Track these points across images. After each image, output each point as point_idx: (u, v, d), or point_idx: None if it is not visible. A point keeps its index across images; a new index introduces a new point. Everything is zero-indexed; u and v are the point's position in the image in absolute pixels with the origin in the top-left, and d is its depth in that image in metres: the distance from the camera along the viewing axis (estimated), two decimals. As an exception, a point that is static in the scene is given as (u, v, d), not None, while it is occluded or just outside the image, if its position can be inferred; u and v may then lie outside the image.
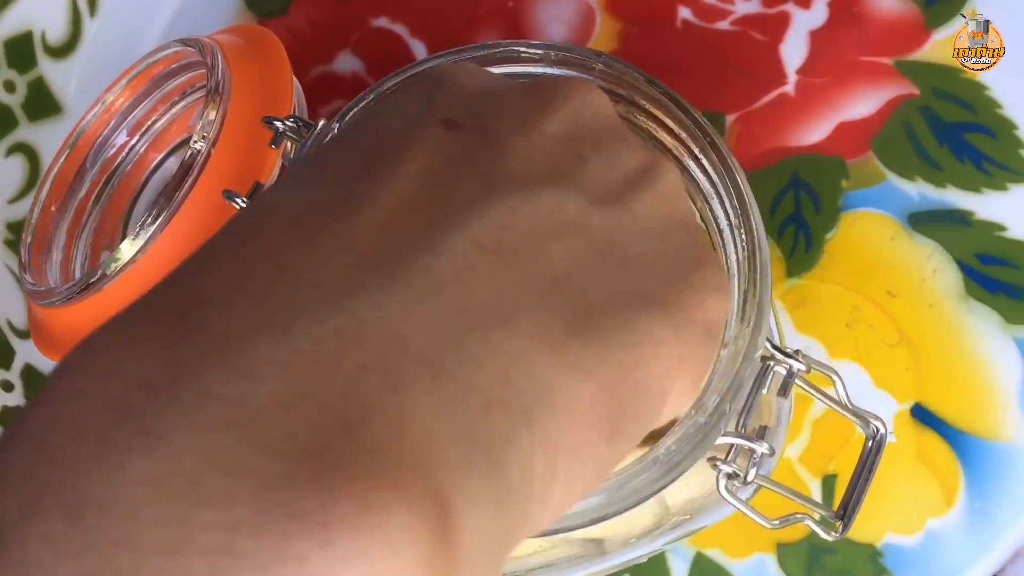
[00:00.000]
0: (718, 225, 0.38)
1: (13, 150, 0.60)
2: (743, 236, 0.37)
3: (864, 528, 0.51)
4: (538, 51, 0.40)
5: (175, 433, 0.19)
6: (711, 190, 0.39)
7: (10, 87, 0.60)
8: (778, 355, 0.36)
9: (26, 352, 0.58)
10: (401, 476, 0.20)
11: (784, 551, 0.52)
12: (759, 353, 0.36)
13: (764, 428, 0.36)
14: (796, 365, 0.36)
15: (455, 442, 0.22)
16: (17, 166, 0.60)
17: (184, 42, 0.52)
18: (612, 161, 0.31)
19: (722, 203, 0.38)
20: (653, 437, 0.39)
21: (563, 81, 0.33)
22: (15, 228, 0.59)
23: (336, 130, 0.38)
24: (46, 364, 0.58)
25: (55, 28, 0.61)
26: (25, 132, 0.60)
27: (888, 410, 0.53)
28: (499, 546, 0.23)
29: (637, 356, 0.27)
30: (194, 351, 0.21)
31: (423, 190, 0.27)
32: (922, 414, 0.52)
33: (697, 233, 0.32)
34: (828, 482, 0.52)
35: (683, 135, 0.39)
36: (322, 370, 0.21)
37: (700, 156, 0.39)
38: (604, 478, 0.28)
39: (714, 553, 0.52)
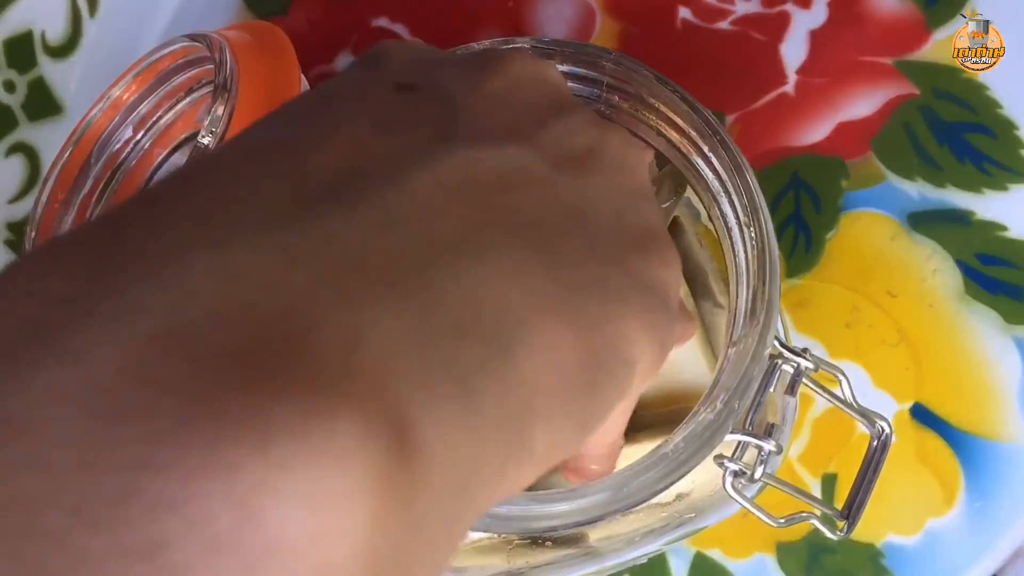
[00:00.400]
0: (726, 223, 0.38)
1: (13, 150, 0.60)
2: (752, 234, 0.38)
3: (864, 528, 0.51)
4: (547, 48, 0.40)
5: (93, 348, 0.17)
6: (719, 188, 0.39)
7: (10, 87, 0.60)
8: (786, 353, 0.36)
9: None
10: (352, 387, 0.18)
11: (784, 551, 0.52)
12: (768, 351, 0.36)
13: (771, 426, 0.36)
14: (804, 363, 0.36)
15: (421, 365, 0.20)
16: (17, 166, 0.60)
17: (191, 37, 0.52)
18: (572, 128, 0.29)
19: (731, 201, 0.38)
20: (661, 432, 0.39)
21: (514, 51, 0.32)
22: (15, 228, 0.59)
23: None
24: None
25: (55, 28, 0.61)
26: (25, 132, 0.60)
27: (888, 410, 0.53)
28: (477, 480, 0.21)
29: (609, 311, 0.26)
30: (120, 267, 0.19)
31: (379, 137, 0.25)
32: (922, 414, 0.52)
33: (654, 205, 0.31)
34: (828, 482, 0.52)
35: (692, 133, 0.39)
36: (266, 284, 0.19)
37: (709, 154, 0.39)
38: (584, 437, 0.26)
39: (714, 553, 0.52)
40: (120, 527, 0.16)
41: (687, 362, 0.44)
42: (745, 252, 0.38)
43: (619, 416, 0.34)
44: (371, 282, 0.20)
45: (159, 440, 0.16)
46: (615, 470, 0.37)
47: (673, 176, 0.40)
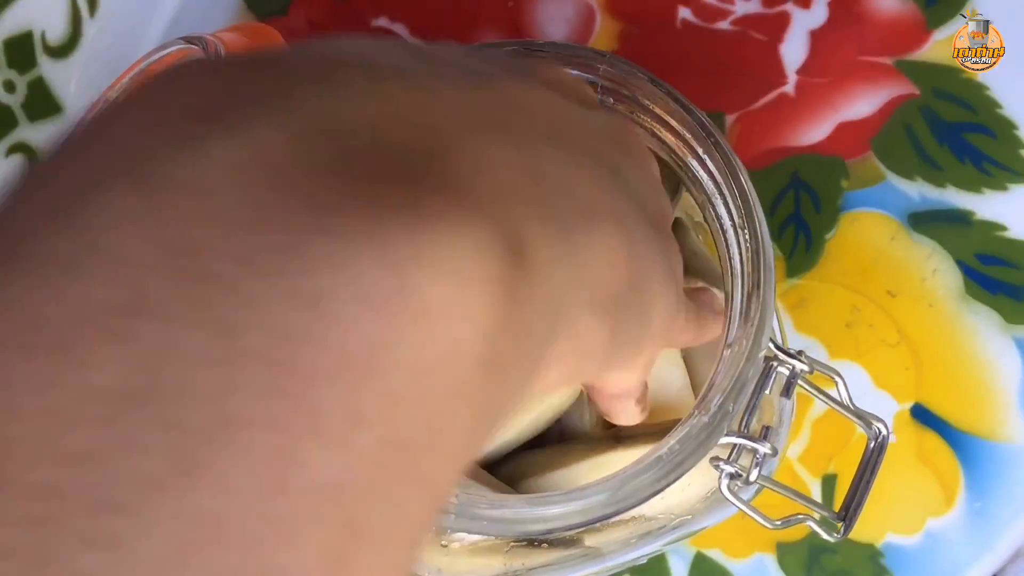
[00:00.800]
0: (721, 225, 0.39)
1: (13, 150, 0.60)
2: (747, 236, 0.38)
3: (864, 528, 0.51)
4: (541, 50, 0.40)
5: (263, 129, 0.19)
6: (714, 190, 0.39)
7: (10, 87, 0.60)
8: (781, 355, 0.36)
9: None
10: (486, 197, 0.20)
11: (784, 551, 0.52)
12: (762, 353, 0.36)
13: (767, 428, 0.36)
14: (799, 366, 0.36)
15: (537, 203, 0.22)
16: (17, 166, 0.60)
17: (188, 40, 0.52)
18: (609, 120, 0.31)
19: (725, 203, 0.38)
20: (655, 436, 0.39)
21: (549, 65, 0.35)
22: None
23: None
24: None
25: (55, 28, 0.61)
26: (25, 132, 0.60)
27: (888, 410, 0.53)
28: (560, 319, 0.23)
29: (645, 254, 0.28)
30: (283, 73, 0.21)
31: (481, 59, 0.27)
32: (922, 414, 0.52)
33: (667, 199, 0.33)
34: (828, 482, 0.52)
35: (686, 135, 0.39)
36: (411, 106, 0.21)
37: (704, 156, 0.39)
38: (607, 354, 0.28)
39: (714, 553, 0.53)
40: (286, 277, 0.17)
41: (674, 376, 0.44)
42: (740, 254, 0.38)
43: (640, 361, 0.34)
44: (495, 130, 0.22)
45: (326, 210, 0.18)
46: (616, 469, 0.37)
47: (670, 178, 0.40)
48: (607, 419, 0.39)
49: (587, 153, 0.26)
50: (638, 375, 0.34)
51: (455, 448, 0.19)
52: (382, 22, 0.62)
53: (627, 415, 0.38)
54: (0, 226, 0.18)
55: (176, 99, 0.20)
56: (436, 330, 0.18)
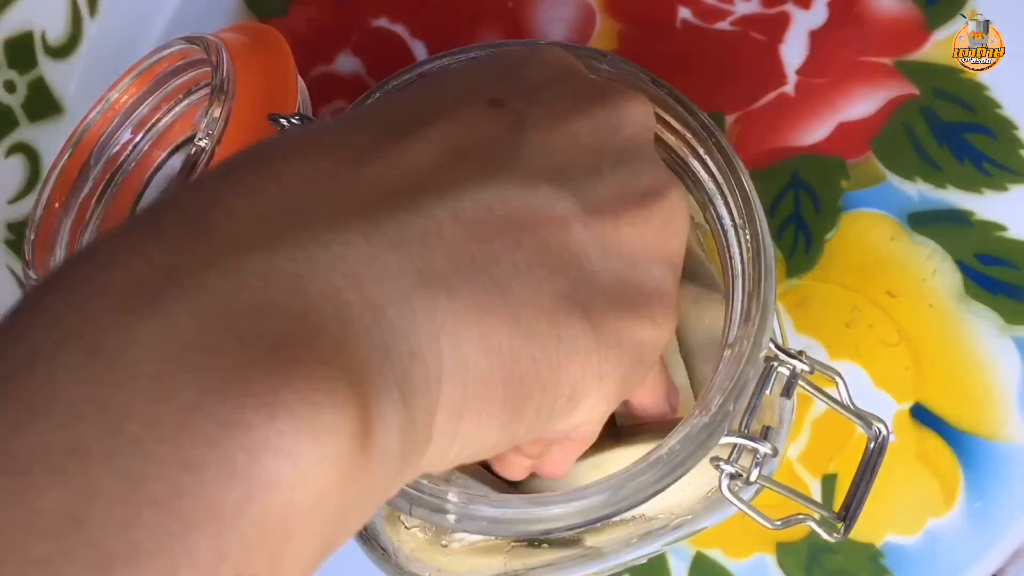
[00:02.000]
0: (722, 225, 0.38)
1: (13, 150, 0.60)
2: (747, 236, 0.38)
3: (864, 528, 0.51)
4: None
5: (177, 313, 0.24)
6: (715, 190, 0.39)
7: (10, 87, 0.60)
8: (782, 356, 0.36)
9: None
10: (335, 386, 0.24)
11: (784, 551, 0.52)
12: (763, 354, 0.36)
13: (767, 428, 0.36)
14: (799, 366, 0.36)
15: (380, 375, 0.26)
16: (17, 166, 0.60)
17: (189, 40, 0.52)
18: (627, 180, 0.32)
19: (726, 203, 0.38)
20: (656, 435, 0.39)
21: (623, 92, 0.34)
22: (15, 228, 0.59)
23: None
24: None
25: (55, 28, 0.61)
26: (25, 132, 0.60)
27: (888, 410, 0.53)
28: (395, 471, 0.27)
29: (554, 359, 0.30)
30: (202, 251, 0.25)
31: (436, 156, 0.30)
32: (922, 414, 0.52)
33: (673, 271, 0.34)
34: (828, 482, 0.52)
35: (687, 135, 0.39)
36: (292, 290, 0.25)
37: (704, 156, 0.39)
38: (499, 451, 0.31)
39: (714, 553, 0.52)
40: (179, 445, 0.22)
41: (674, 377, 0.44)
42: (740, 254, 0.38)
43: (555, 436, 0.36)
44: (362, 300, 0.27)
45: (209, 392, 0.23)
46: (614, 470, 0.37)
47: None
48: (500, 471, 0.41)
49: (500, 269, 0.29)
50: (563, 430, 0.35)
51: (290, 570, 0.25)
52: (382, 22, 0.62)
53: (557, 462, 0.39)
54: None
55: (124, 267, 0.25)
56: (275, 496, 0.23)
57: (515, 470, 0.39)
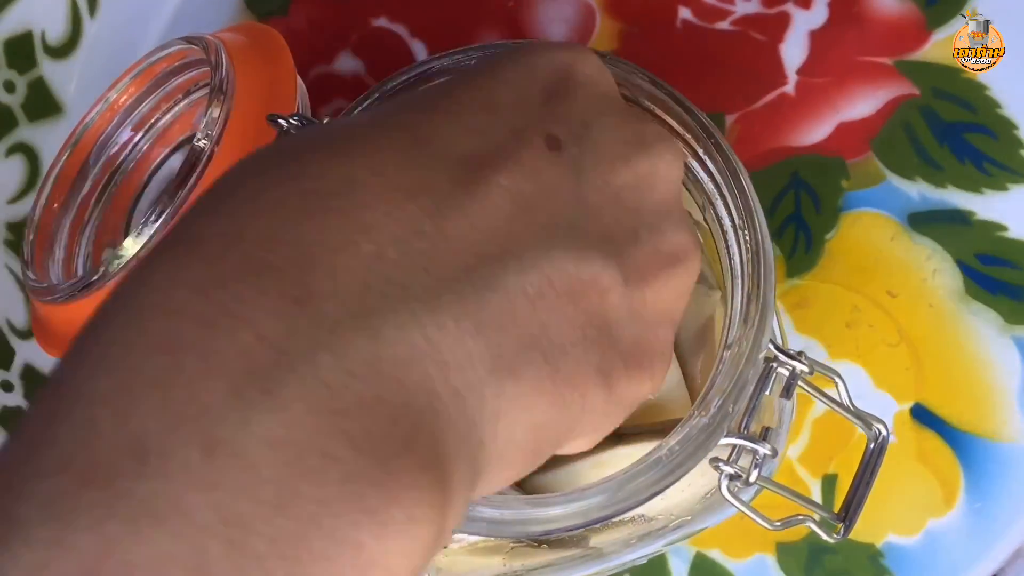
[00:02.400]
0: (721, 226, 0.38)
1: (13, 150, 0.60)
2: (747, 237, 0.37)
3: (864, 528, 0.51)
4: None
5: (294, 408, 0.23)
6: (714, 191, 0.39)
7: (10, 87, 0.60)
8: (781, 356, 0.36)
9: (26, 352, 0.58)
10: (433, 497, 0.25)
11: (784, 551, 0.52)
12: (762, 355, 0.36)
13: (767, 429, 0.36)
14: (799, 367, 0.36)
15: (458, 469, 0.26)
16: (17, 166, 0.60)
17: (188, 40, 0.52)
18: (658, 245, 0.33)
19: (725, 204, 0.38)
20: (656, 435, 0.39)
21: (661, 141, 0.35)
22: (15, 228, 0.59)
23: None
24: (46, 364, 0.58)
25: (55, 28, 0.61)
26: (25, 132, 0.60)
27: (888, 410, 0.53)
28: (463, 514, 0.28)
29: (572, 420, 0.31)
30: (310, 330, 0.24)
31: (508, 212, 0.30)
32: (922, 414, 0.52)
33: (674, 330, 0.35)
34: (828, 482, 0.52)
35: (687, 136, 0.39)
36: (395, 382, 0.25)
37: (704, 157, 0.39)
38: (510, 481, 0.31)
39: (714, 553, 0.53)
40: (296, 564, 0.22)
41: (669, 375, 0.44)
42: (740, 255, 0.38)
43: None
44: (450, 391, 0.26)
45: (327, 505, 0.23)
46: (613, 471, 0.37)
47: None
48: None
49: (545, 346, 0.29)
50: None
51: None
52: (382, 22, 0.62)
53: None
54: (93, 466, 0.22)
55: (228, 331, 0.24)
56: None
57: None
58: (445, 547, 0.36)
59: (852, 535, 0.38)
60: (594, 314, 0.31)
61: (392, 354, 0.25)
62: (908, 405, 0.53)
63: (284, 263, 0.25)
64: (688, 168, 0.39)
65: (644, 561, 0.44)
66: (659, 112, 0.39)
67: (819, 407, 0.53)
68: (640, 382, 0.33)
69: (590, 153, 0.33)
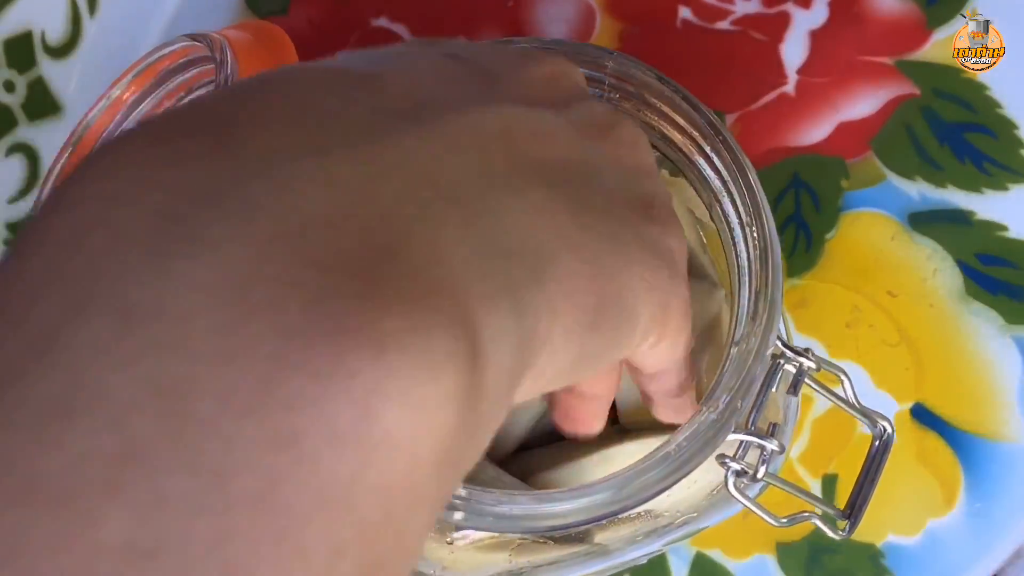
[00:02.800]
0: (728, 223, 0.38)
1: (13, 150, 0.60)
2: (755, 234, 0.38)
3: (865, 528, 0.51)
4: (548, 48, 0.40)
5: (222, 242, 0.19)
6: (721, 188, 0.39)
7: (10, 87, 0.60)
8: (788, 353, 0.36)
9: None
10: (440, 302, 0.20)
11: (784, 551, 0.52)
12: (770, 351, 0.36)
13: (773, 425, 0.36)
14: (806, 363, 0.36)
15: (483, 279, 0.22)
16: (17, 166, 0.60)
17: (192, 37, 0.52)
18: (592, 109, 0.32)
19: (733, 201, 0.38)
20: (662, 430, 0.39)
21: (550, 53, 0.34)
22: (15, 228, 0.59)
23: None
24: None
25: (55, 28, 0.61)
26: (25, 132, 0.60)
27: (888, 410, 0.53)
28: (509, 387, 0.23)
29: (620, 264, 0.28)
30: (235, 164, 0.20)
31: (440, 83, 0.27)
32: (922, 414, 0.53)
33: (662, 184, 0.33)
34: (828, 482, 0.52)
35: (694, 133, 0.39)
36: (361, 194, 0.21)
37: (711, 154, 0.39)
38: (572, 377, 0.28)
39: (714, 553, 0.53)
40: (263, 417, 0.17)
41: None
42: (747, 252, 0.38)
43: (611, 371, 0.36)
44: (443, 198, 0.22)
45: (291, 337, 0.18)
46: (616, 471, 0.37)
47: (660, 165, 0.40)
48: (563, 424, 0.39)
49: (545, 173, 0.27)
50: (605, 383, 0.35)
51: (416, 542, 0.21)
52: (382, 22, 0.62)
53: (591, 419, 0.38)
54: None
55: (134, 203, 0.19)
56: (398, 454, 0.19)
57: (574, 413, 0.38)
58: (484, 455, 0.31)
59: (853, 535, 0.38)
60: (575, 161, 0.28)
61: (349, 169, 0.21)
62: (908, 405, 0.53)
63: (199, 127, 0.22)
64: (695, 165, 0.39)
65: (644, 560, 0.44)
66: (666, 109, 0.39)
67: (820, 407, 0.53)
68: (657, 229, 0.30)
69: (489, 61, 0.31)
